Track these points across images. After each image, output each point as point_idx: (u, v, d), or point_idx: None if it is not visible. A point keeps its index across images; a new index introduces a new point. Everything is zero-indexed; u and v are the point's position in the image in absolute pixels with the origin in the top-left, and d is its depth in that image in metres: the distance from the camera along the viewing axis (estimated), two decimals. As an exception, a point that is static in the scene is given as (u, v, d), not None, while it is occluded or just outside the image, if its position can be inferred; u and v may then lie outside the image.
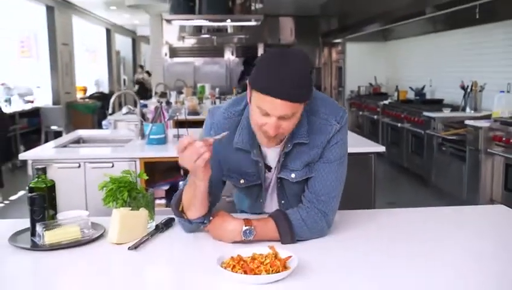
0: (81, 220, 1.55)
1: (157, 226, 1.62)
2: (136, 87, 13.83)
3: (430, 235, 1.60)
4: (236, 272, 1.24)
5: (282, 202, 1.68)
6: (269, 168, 1.63)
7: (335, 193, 1.58)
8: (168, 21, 6.62)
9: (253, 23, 6.43)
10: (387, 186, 6.00)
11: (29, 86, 9.14)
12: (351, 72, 9.56)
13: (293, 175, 1.59)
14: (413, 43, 7.92)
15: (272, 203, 1.72)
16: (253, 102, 1.44)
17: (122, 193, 1.57)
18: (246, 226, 1.47)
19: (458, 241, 1.54)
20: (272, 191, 1.70)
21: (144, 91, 12.61)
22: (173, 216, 1.70)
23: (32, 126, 8.21)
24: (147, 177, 1.70)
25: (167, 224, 1.64)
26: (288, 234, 1.49)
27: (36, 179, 1.60)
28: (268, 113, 1.39)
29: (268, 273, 1.23)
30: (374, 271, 1.32)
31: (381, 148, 3.36)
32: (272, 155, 1.61)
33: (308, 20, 10.38)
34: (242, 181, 1.65)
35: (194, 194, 1.48)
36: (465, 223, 1.73)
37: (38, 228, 1.48)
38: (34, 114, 8.37)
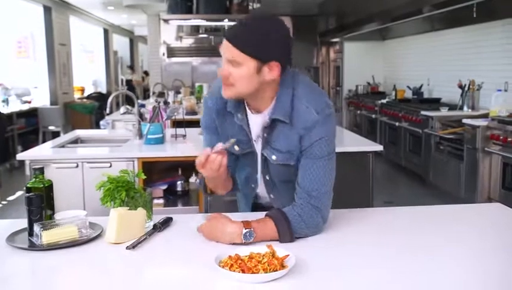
0: (79, 220, 1.55)
1: (155, 225, 1.62)
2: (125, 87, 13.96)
3: (428, 234, 1.60)
4: (234, 271, 1.24)
5: (267, 177, 1.71)
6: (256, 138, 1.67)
7: (325, 188, 1.58)
8: (166, 21, 6.63)
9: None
10: (385, 185, 6.01)
11: (27, 87, 9.13)
12: (349, 71, 9.56)
13: (274, 157, 1.63)
14: (411, 42, 7.93)
15: (261, 177, 1.74)
16: None
17: (120, 192, 1.57)
18: (246, 229, 1.45)
19: (456, 240, 1.54)
20: (260, 170, 1.74)
21: (132, 91, 12.74)
22: (171, 216, 1.71)
23: (30, 126, 8.20)
24: (144, 177, 1.70)
25: (165, 223, 1.65)
26: (287, 233, 1.49)
27: (34, 179, 1.60)
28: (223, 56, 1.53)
29: (266, 272, 1.23)
30: (371, 270, 1.32)
31: (379, 148, 3.37)
32: (257, 126, 1.64)
33: (306, 19, 10.38)
34: (236, 148, 1.68)
35: (216, 181, 1.68)
36: (462, 222, 1.74)
37: (36, 228, 1.48)
38: (32, 114, 8.37)
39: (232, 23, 7.16)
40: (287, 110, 1.56)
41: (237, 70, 1.48)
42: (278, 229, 1.49)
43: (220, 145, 1.51)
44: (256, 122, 1.64)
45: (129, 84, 13.70)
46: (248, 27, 1.49)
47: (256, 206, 1.87)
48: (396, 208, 1.97)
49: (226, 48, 1.48)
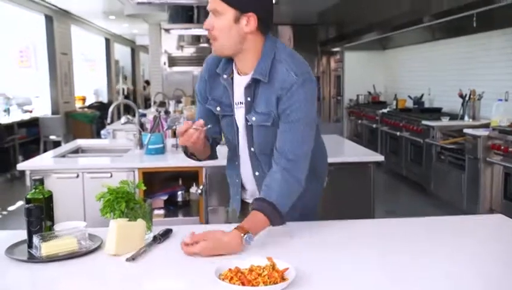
0: (78, 231, 1.55)
1: (154, 237, 1.61)
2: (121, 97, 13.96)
3: (429, 245, 1.60)
4: (234, 283, 1.23)
5: (252, 149, 1.77)
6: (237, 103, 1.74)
7: (302, 151, 1.65)
8: (167, 30, 6.66)
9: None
10: (386, 195, 6.00)
11: (28, 96, 9.16)
12: (350, 81, 9.57)
13: (253, 118, 1.70)
14: (411, 51, 7.95)
15: (245, 148, 1.79)
16: None
17: (120, 203, 1.56)
18: (243, 234, 1.49)
19: (457, 251, 1.53)
20: (242, 133, 1.78)
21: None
22: (170, 227, 1.71)
23: (31, 136, 8.21)
24: (144, 188, 1.70)
25: (165, 235, 1.64)
26: (277, 217, 1.58)
27: (33, 190, 1.60)
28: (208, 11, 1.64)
29: (266, 285, 1.23)
30: (373, 281, 1.31)
31: (380, 158, 3.37)
32: (240, 88, 1.72)
33: (306, 28, 10.41)
34: (218, 108, 1.78)
35: (194, 149, 1.77)
36: (464, 233, 1.73)
37: (35, 239, 1.48)
38: (33, 124, 8.38)
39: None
40: (266, 70, 1.65)
41: (218, 21, 1.61)
42: (269, 218, 1.57)
43: (199, 123, 1.61)
44: (241, 83, 1.72)
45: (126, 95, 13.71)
46: None
47: (244, 206, 1.90)
48: (398, 219, 1.96)
49: (210, 1, 1.62)
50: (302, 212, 1.80)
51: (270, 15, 1.69)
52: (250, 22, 1.61)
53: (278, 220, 1.59)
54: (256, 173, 1.80)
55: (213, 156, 1.92)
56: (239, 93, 1.73)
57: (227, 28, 1.61)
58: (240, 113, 1.75)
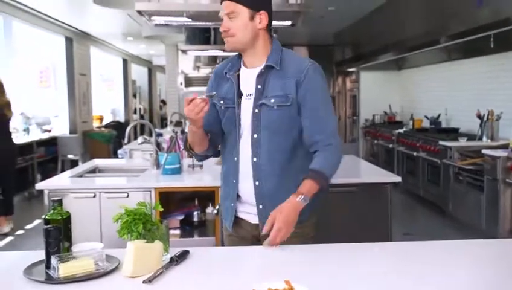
0: (96, 252, 1.55)
1: (171, 258, 1.61)
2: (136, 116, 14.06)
3: (447, 270, 1.56)
4: (251, 307, 1.22)
5: (255, 136, 1.88)
6: (240, 95, 1.90)
7: (331, 127, 1.90)
8: (184, 51, 6.74)
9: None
10: (403, 216, 5.92)
11: (47, 115, 9.29)
12: (366, 101, 9.56)
13: (272, 100, 1.85)
14: (427, 71, 7.92)
15: (248, 138, 1.90)
16: None
17: (137, 225, 1.57)
18: (299, 196, 1.74)
19: (475, 279, 1.50)
20: (246, 124, 1.90)
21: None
22: (188, 248, 1.70)
23: (49, 155, 8.31)
24: (162, 210, 1.70)
25: (181, 256, 1.64)
26: (323, 179, 1.81)
27: (52, 211, 1.61)
28: (221, 16, 1.84)
29: (284, 309, 1.21)
30: (392, 307, 1.29)
31: (397, 179, 3.33)
32: (249, 80, 1.89)
33: (322, 49, 10.47)
34: (221, 102, 1.95)
35: (194, 137, 1.94)
36: (485, 259, 1.69)
37: (53, 260, 1.49)
38: (51, 143, 8.49)
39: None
40: (277, 59, 1.87)
41: (235, 22, 1.82)
42: (317, 182, 1.79)
43: (205, 95, 1.82)
44: (251, 75, 1.89)
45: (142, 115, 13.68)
46: None
47: (238, 223, 1.99)
48: (415, 243, 1.92)
49: (225, 6, 1.82)
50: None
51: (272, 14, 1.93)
52: (262, 19, 1.85)
53: (326, 185, 1.81)
54: (254, 159, 1.89)
55: (209, 151, 2.03)
56: (248, 85, 1.90)
57: (243, 26, 1.82)
58: (247, 104, 1.90)
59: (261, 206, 1.90)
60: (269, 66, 1.86)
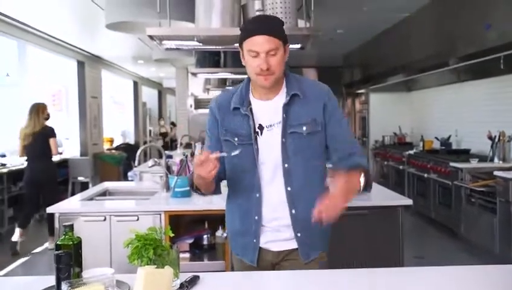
0: (106, 278, 1.55)
1: (181, 284, 1.60)
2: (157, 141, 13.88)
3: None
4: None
5: (286, 165, 1.84)
6: (261, 128, 1.86)
7: (355, 142, 1.98)
8: (194, 74, 6.79)
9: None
10: (414, 238, 5.85)
11: (59, 138, 9.35)
12: (375, 122, 9.55)
13: (304, 128, 1.84)
14: (437, 92, 7.90)
15: (276, 169, 1.85)
16: (245, 53, 1.80)
17: (148, 250, 1.56)
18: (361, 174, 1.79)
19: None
20: (270, 156, 1.85)
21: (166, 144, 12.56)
22: (198, 274, 1.69)
23: (60, 177, 8.31)
24: (172, 235, 1.70)
25: (192, 282, 1.63)
26: (369, 180, 1.86)
27: (63, 236, 1.61)
28: (258, 52, 1.75)
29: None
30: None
31: (409, 202, 3.30)
32: (269, 111, 1.86)
33: (331, 70, 10.52)
34: (236, 139, 1.87)
35: (202, 182, 1.83)
36: (499, 285, 1.66)
37: (64, 286, 1.48)
38: (62, 165, 8.53)
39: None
40: (297, 86, 1.87)
41: (275, 58, 1.77)
42: (366, 174, 1.82)
43: (218, 153, 1.72)
44: (269, 108, 1.86)
45: (163, 135, 13.36)
46: (272, 20, 1.87)
47: (259, 253, 1.90)
48: (427, 268, 1.89)
49: (265, 42, 1.75)
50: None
51: None
52: (287, 50, 1.85)
53: (370, 178, 1.86)
54: (289, 189, 1.85)
55: (217, 191, 1.98)
56: (266, 117, 1.86)
57: (282, 61, 1.81)
58: (269, 135, 1.85)
59: (299, 234, 1.86)
60: (294, 94, 1.85)
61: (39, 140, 5.70)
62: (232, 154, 1.77)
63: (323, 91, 1.90)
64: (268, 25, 1.79)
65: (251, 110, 1.86)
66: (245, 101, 1.87)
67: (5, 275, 4.60)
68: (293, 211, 1.84)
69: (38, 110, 5.77)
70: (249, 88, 1.91)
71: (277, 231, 1.88)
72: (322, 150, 1.90)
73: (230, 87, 1.94)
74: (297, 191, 1.84)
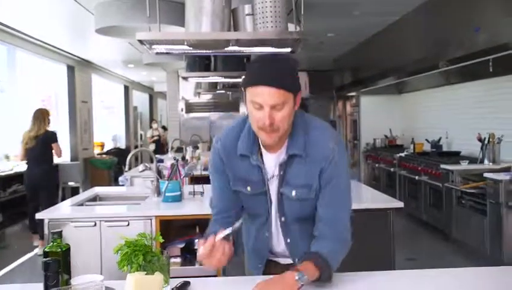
0: (95, 285, 1.53)
1: (172, 290, 1.58)
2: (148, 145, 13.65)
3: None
4: None
5: (282, 219, 1.72)
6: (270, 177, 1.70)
7: (347, 215, 1.69)
8: (185, 78, 6.77)
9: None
10: (406, 241, 5.86)
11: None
12: (366, 125, 9.58)
13: (293, 192, 1.67)
14: (427, 95, 7.95)
15: (276, 218, 1.74)
16: (248, 101, 1.57)
17: (137, 257, 1.55)
18: (296, 272, 1.49)
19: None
20: (275, 210, 1.74)
21: (161, 149, 12.35)
22: (188, 279, 1.68)
23: (50, 182, 8.27)
24: (162, 241, 1.68)
25: (182, 288, 1.61)
26: (327, 270, 1.57)
27: (51, 243, 1.59)
28: (262, 105, 1.52)
29: None
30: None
31: (400, 204, 3.31)
32: (271, 164, 1.69)
33: (322, 74, 10.54)
34: (249, 188, 1.70)
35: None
36: (487, 287, 1.67)
37: (52, 294, 1.46)
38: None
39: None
40: (301, 144, 1.64)
41: (281, 113, 1.54)
42: (320, 270, 1.55)
43: (223, 232, 1.52)
44: (271, 161, 1.69)
45: (157, 140, 13.00)
46: (282, 66, 1.55)
47: (268, 265, 1.84)
48: (418, 271, 1.90)
49: (271, 96, 1.51)
50: None
51: None
52: (298, 100, 1.60)
53: (327, 274, 1.58)
54: (288, 240, 1.75)
55: (236, 253, 1.71)
56: (271, 169, 1.69)
57: (289, 115, 1.57)
58: (273, 185, 1.70)
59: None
60: (293, 154, 1.65)
61: (41, 144, 5.90)
62: (235, 226, 1.57)
63: (326, 152, 1.63)
64: (276, 74, 1.52)
65: (262, 160, 1.69)
66: (253, 149, 1.68)
67: (-5, 282, 4.55)
68: (296, 260, 1.75)
69: (43, 115, 5.98)
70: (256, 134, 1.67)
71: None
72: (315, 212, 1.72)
73: (234, 125, 1.76)
74: (295, 243, 1.75)
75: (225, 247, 1.51)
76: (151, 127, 13.27)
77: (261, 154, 1.69)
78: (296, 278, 1.48)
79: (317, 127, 1.68)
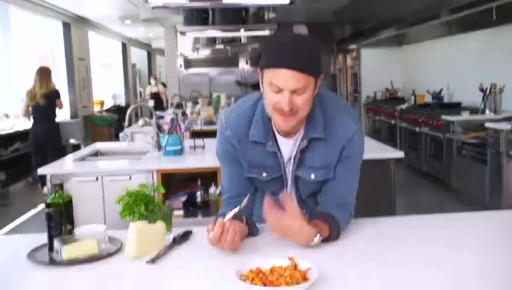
0: (98, 234, 1.54)
1: (174, 239, 1.60)
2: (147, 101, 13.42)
3: (450, 243, 1.55)
4: (255, 284, 1.21)
5: (298, 195, 1.71)
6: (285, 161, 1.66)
7: (355, 192, 1.68)
8: (183, 33, 6.68)
9: (266, 32, 6.43)
10: (407, 191, 5.92)
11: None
12: (367, 78, 9.49)
13: (312, 176, 1.63)
14: (428, 46, 7.83)
15: (291, 196, 1.71)
16: (265, 83, 1.48)
17: (139, 206, 1.55)
18: (318, 234, 1.47)
19: (479, 250, 1.49)
20: (290, 189, 1.71)
21: (160, 104, 12.13)
22: (190, 229, 1.69)
23: (51, 140, 8.27)
24: (163, 191, 1.69)
25: (184, 236, 1.63)
26: (336, 233, 1.55)
27: (53, 195, 1.60)
28: (282, 89, 1.43)
29: (288, 286, 1.20)
30: (396, 281, 1.28)
31: (400, 154, 3.32)
32: (288, 149, 1.63)
33: (321, 27, 10.33)
34: (265, 174, 1.66)
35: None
36: (489, 230, 1.68)
37: (56, 243, 1.48)
38: (53, 129, 8.44)
39: (250, 33, 7.30)
40: (321, 127, 1.57)
41: (301, 97, 1.45)
42: (331, 233, 1.52)
43: (230, 213, 1.47)
44: (288, 146, 1.63)
45: (156, 97, 12.73)
46: (305, 48, 1.45)
47: None
48: (418, 217, 1.91)
49: (292, 79, 1.42)
50: None
51: None
52: (318, 83, 1.52)
53: (335, 236, 1.55)
54: (304, 211, 1.71)
55: (252, 233, 1.63)
56: (286, 154, 1.64)
57: (310, 99, 1.49)
58: (287, 169, 1.67)
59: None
60: (313, 138, 1.59)
61: (46, 101, 6.10)
62: (243, 204, 1.52)
63: (348, 133, 1.58)
64: (300, 57, 1.42)
65: (278, 146, 1.62)
66: (267, 134, 1.60)
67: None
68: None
69: (47, 73, 6.20)
70: (270, 118, 1.59)
71: None
72: None
73: (243, 109, 1.65)
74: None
75: (235, 228, 1.44)
76: (149, 83, 13.08)
77: (276, 140, 1.62)
78: (315, 240, 1.46)
79: (336, 107, 1.62)
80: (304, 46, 1.45)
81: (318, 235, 1.46)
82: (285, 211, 1.45)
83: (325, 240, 1.51)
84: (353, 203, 1.68)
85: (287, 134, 1.61)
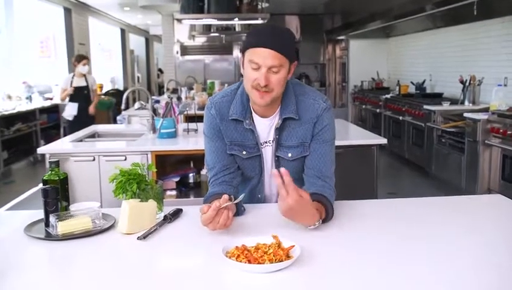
0: (93, 211, 1.54)
1: (165, 216, 1.60)
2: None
3: (429, 224, 1.57)
4: (240, 261, 1.21)
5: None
6: (263, 143, 1.73)
7: (333, 168, 1.72)
8: (179, 20, 6.61)
9: (259, 21, 6.38)
10: (389, 177, 5.95)
11: (49, 84, 9.15)
12: (354, 68, 9.48)
13: (289, 154, 1.70)
14: (414, 39, 7.83)
15: (271, 182, 1.78)
16: (246, 62, 1.58)
17: (132, 185, 1.55)
18: (319, 219, 1.48)
19: (457, 231, 1.50)
20: (267, 168, 1.76)
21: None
22: (181, 207, 1.69)
23: (51, 121, 8.22)
24: (155, 170, 1.68)
25: (175, 215, 1.63)
26: (331, 215, 1.57)
27: (50, 172, 1.59)
28: (260, 65, 1.53)
29: (272, 263, 1.21)
30: (376, 260, 1.29)
31: (383, 141, 3.33)
32: (265, 130, 1.71)
33: (312, 18, 10.28)
34: (244, 152, 1.72)
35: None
36: (464, 213, 1.70)
37: (52, 218, 1.47)
38: (53, 110, 8.38)
39: (244, 22, 7.24)
40: (293, 108, 1.66)
41: (277, 75, 1.55)
42: (327, 214, 1.54)
43: (226, 198, 1.44)
44: (263, 125, 1.70)
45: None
46: (283, 34, 1.58)
47: None
48: (399, 200, 1.93)
49: (270, 57, 1.52)
50: None
51: None
52: (292, 69, 1.61)
53: (329, 219, 1.56)
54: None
55: (239, 213, 1.65)
56: (264, 134, 1.71)
57: (284, 80, 1.58)
58: (266, 151, 1.73)
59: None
60: (287, 118, 1.67)
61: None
62: (238, 199, 1.52)
63: (317, 110, 1.66)
64: (277, 39, 1.54)
65: (254, 124, 1.69)
66: (247, 113, 1.68)
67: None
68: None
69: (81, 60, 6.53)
70: (249, 98, 1.67)
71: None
72: None
73: (227, 92, 1.74)
74: None
75: (229, 214, 1.43)
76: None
77: (253, 120, 1.69)
78: (316, 223, 1.47)
79: (306, 91, 1.71)
80: (282, 33, 1.58)
81: (319, 220, 1.47)
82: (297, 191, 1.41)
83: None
84: (333, 179, 1.70)
85: (263, 114, 1.68)
